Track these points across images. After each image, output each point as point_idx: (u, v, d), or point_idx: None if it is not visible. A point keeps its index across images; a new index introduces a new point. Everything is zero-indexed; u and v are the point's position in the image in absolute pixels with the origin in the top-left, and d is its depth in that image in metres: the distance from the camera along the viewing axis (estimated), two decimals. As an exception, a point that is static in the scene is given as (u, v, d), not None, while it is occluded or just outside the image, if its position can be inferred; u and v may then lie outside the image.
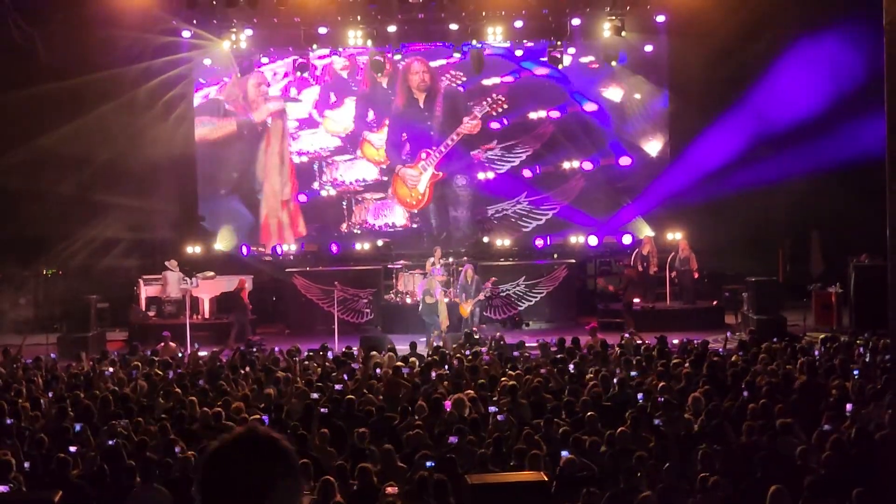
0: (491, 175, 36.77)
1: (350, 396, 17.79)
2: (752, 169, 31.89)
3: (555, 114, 36.48)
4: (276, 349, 24.76)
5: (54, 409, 17.74)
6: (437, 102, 36.72)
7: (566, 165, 36.46)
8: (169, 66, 34.52)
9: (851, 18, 28.77)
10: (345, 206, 37.10)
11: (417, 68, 36.66)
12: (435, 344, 26.59)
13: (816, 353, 21.64)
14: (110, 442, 15.03)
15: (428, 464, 13.86)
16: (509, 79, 36.52)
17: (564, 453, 13.93)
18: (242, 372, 21.29)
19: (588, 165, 36.35)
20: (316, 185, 37.11)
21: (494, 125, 36.50)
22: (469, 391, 17.96)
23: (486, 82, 36.44)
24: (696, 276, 31.96)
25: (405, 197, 37.04)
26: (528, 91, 36.65)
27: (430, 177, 36.70)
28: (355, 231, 36.81)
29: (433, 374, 19.98)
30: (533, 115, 36.60)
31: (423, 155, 36.69)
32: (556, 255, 33.83)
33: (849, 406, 16.25)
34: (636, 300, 31.85)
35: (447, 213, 37.14)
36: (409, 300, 31.85)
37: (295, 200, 37.01)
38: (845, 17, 29.44)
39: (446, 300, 29.89)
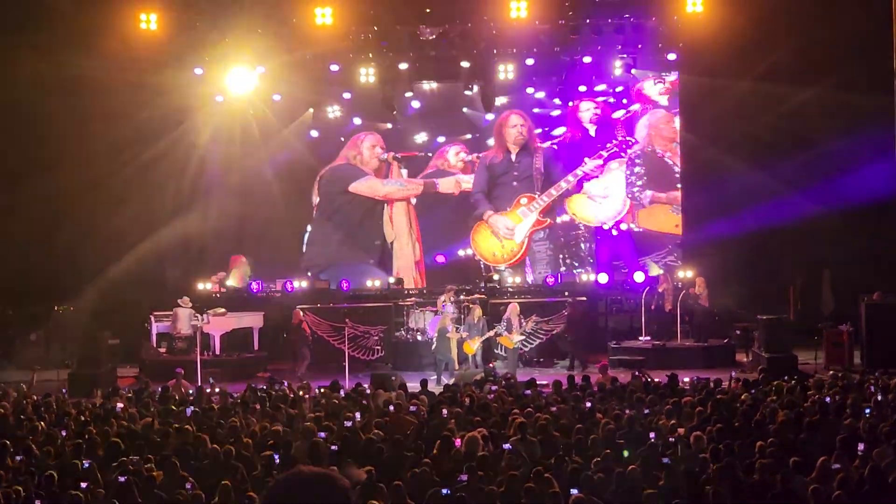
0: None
1: (360, 433, 17.78)
2: (765, 207, 31.92)
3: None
4: (286, 384, 24.79)
5: (65, 445, 17.74)
6: (534, 159, 35.92)
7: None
8: (178, 102, 34.61)
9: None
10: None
11: (516, 121, 36.04)
12: (446, 381, 26.64)
13: (827, 395, 21.53)
14: (122, 479, 14.99)
15: (444, 491, 13.92)
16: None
17: (574, 491, 13.88)
18: (254, 409, 21.30)
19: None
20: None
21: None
22: (481, 429, 17.91)
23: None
24: (704, 303, 31.97)
25: (490, 251, 35.98)
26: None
27: (532, 224, 35.66)
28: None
29: (444, 411, 19.92)
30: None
31: (524, 200, 35.72)
32: (566, 293, 33.74)
33: (860, 445, 16.17)
34: (647, 338, 31.87)
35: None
36: (419, 337, 31.84)
37: (422, 262, 36.93)
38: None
39: (457, 337, 29.92)
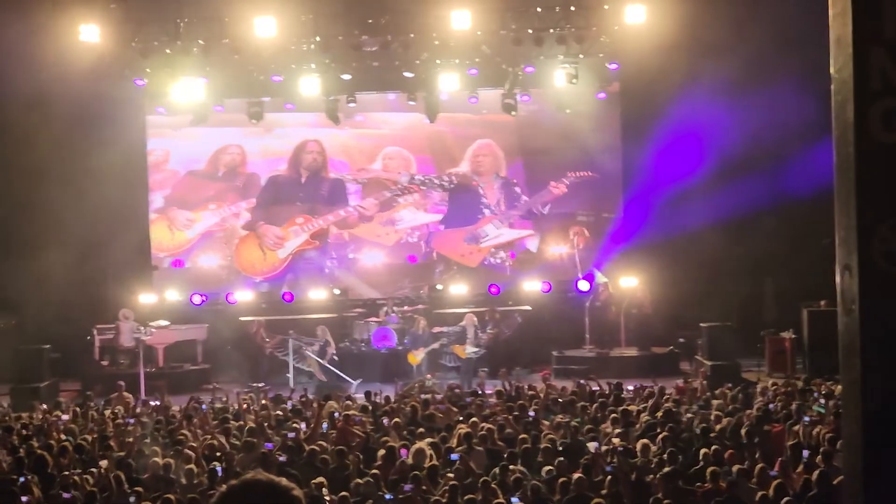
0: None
1: (305, 445, 17.74)
2: (708, 212, 32.02)
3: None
4: (233, 395, 24.75)
5: (6, 460, 17.58)
6: (322, 185, 35.93)
7: None
8: (120, 113, 34.31)
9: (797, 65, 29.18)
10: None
11: (313, 148, 35.98)
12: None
13: (770, 401, 21.67)
14: (66, 495, 14.87)
15: (387, 496, 13.99)
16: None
17: (515, 500, 13.90)
18: (197, 421, 21.20)
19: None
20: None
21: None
22: (427, 439, 17.91)
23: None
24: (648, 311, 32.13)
25: (251, 263, 35.70)
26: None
27: (300, 243, 35.56)
28: None
29: (386, 421, 19.92)
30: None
31: (300, 220, 35.59)
32: (510, 303, 33.73)
33: (805, 452, 16.29)
34: (590, 347, 31.89)
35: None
36: (364, 348, 31.76)
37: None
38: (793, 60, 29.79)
39: (400, 347, 30.10)
